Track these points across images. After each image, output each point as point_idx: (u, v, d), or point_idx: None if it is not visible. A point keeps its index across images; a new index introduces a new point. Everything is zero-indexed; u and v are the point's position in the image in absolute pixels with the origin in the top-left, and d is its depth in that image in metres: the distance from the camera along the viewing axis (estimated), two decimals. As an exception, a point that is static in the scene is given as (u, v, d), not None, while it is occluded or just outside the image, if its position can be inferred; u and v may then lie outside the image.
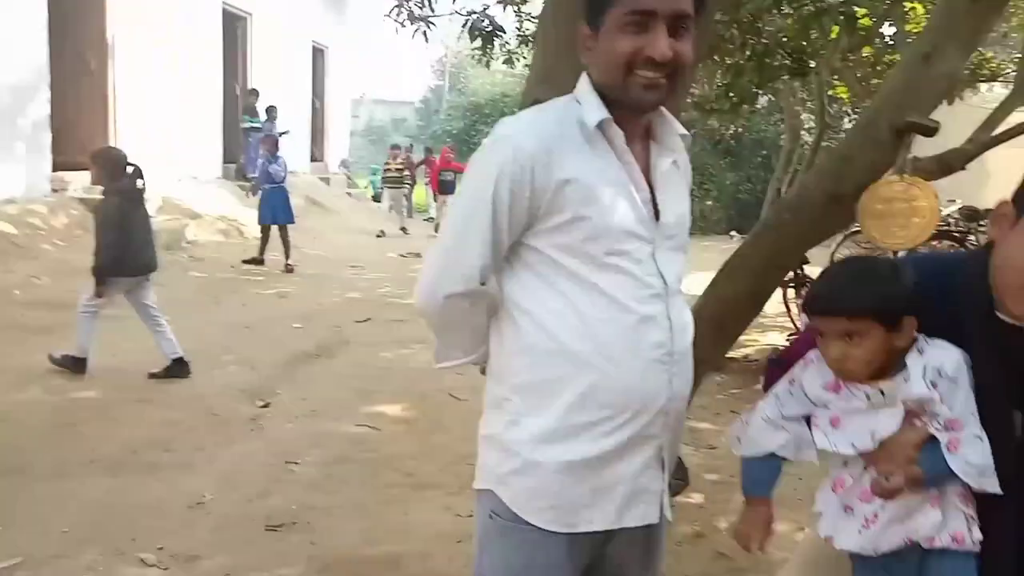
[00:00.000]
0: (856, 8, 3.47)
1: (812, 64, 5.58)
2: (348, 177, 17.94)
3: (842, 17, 3.43)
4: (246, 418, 4.40)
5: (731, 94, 5.90)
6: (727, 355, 6.05)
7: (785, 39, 5.36)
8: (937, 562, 1.27)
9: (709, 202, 17.12)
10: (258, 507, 3.29)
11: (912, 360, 1.27)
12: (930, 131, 1.92)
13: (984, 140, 5.15)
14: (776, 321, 7.06)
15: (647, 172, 1.42)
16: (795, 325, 5.55)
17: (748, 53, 5.46)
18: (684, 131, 1.47)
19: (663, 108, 1.45)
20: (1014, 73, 5.81)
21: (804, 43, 5.56)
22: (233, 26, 13.24)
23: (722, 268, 2.45)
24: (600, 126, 1.34)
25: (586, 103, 1.36)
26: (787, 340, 5.85)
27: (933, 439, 1.25)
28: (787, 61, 5.57)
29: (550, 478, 1.36)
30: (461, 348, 1.50)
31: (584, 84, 1.40)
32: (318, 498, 3.40)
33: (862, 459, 1.33)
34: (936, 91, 1.88)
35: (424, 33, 8.06)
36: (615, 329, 1.35)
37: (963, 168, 4.11)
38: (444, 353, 1.52)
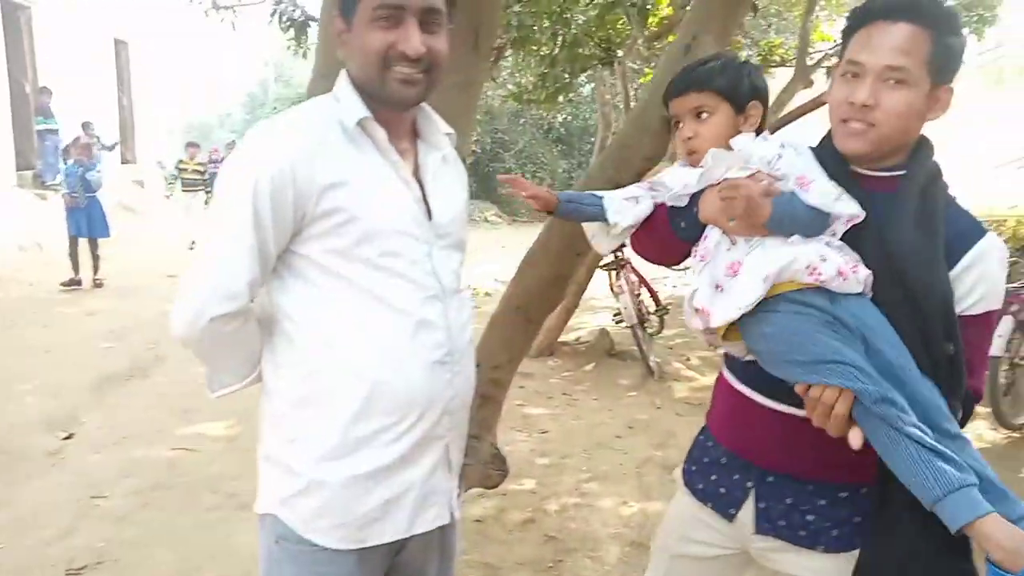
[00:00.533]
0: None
1: (619, 53, 5.83)
2: (166, 179, 16.71)
3: (633, 8, 3.58)
4: (45, 452, 3.98)
5: (546, 84, 6.05)
6: (559, 339, 6.30)
7: (594, 28, 5.57)
8: (843, 302, 1.21)
9: (581, 179, 17.55)
10: (58, 550, 2.99)
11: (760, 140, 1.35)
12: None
13: (773, 122, 5.64)
14: (605, 303, 7.38)
15: (417, 170, 1.39)
16: (621, 302, 5.78)
17: (560, 43, 5.61)
18: (449, 129, 1.46)
19: (425, 105, 1.44)
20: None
21: (611, 32, 5.80)
22: (14, 17, 11.88)
23: (525, 257, 2.49)
24: (361, 124, 1.30)
25: (345, 101, 1.32)
26: (614, 319, 6.10)
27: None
28: (596, 50, 5.79)
29: (337, 495, 1.31)
30: (235, 373, 1.41)
31: (343, 81, 1.35)
32: (129, 532, 3.14)
33: (718, 226, 1.31)
34: (697, 80, 1.99)
35: (232, 23, 7.69)
36: (392, 334, 1.32)
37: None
38: (217, 381, 1.42)
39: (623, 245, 5.22)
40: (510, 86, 9.17)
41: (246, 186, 1.23)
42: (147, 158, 16.24)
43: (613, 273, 5.83)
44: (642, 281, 6.13)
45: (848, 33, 1.28)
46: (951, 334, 1.19)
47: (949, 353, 1.19)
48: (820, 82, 6.38)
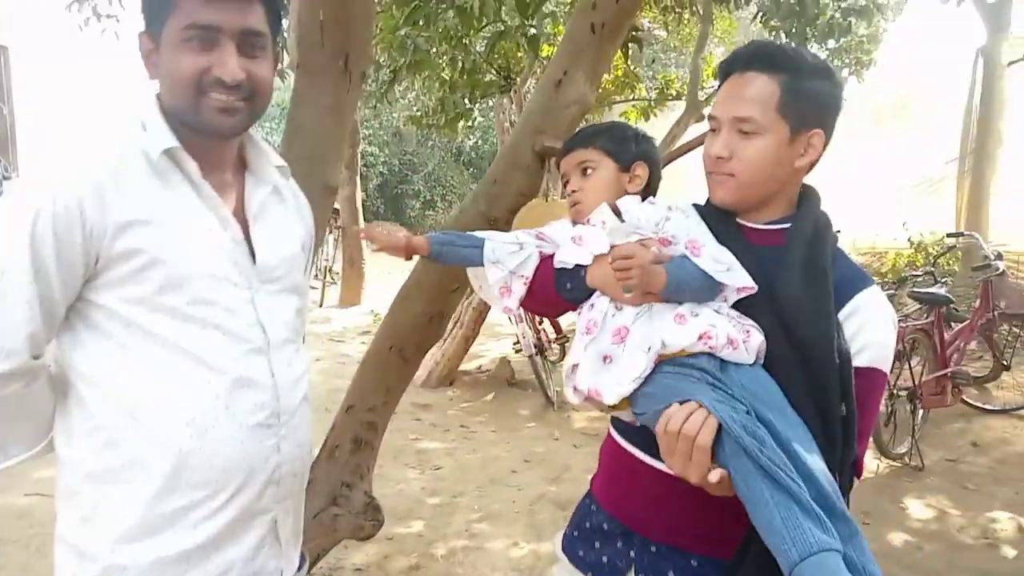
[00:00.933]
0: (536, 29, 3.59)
1: (516, 80, 5.81)
2: None
3: (524, 38, 3.54)
4: None
5: (446, 109, 5.96)
6: (459, 368, 6.18)
7: (493, 55, 5.54)
8: (733, 372, 1.16)
9: (453, 212, 17.47)
10: None
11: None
12: (567, 155, 1.99)
13: (667, 154, 5.74)
14: (509, 329, 7.29)
15: (241, 207, 1.25)
16: (519, 330, 5.71)
17: (459, 68, 5.54)
18: (280, 161, 1.33)
19: (254, 135, 1.30)
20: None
21: (509, 60, 5.78)
22: None
23: (398, 294, 2.36)
24: (168, 154, 1.15)
25: (152, 129, 1.16)
26: (514, 348, 6.01)
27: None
28: (495, 77, 5.75)
29: None
30: (23, 441, 1.21)
31: (151, 106, 1.19)
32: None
33: (604, 294, 1.26)
34: (568, 116, 1.95)
35: (116, 32, 7.30)
36: (203, 395, 1.16)
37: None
38: (1, 451, 1.21)
39: None
40: (415, 109, 9.07)
41: (23, 227, 1.06)
42: (31, 173, 15.20)
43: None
44: (542, 309, 6.08)
45: (718, 87, 1.30)
46: (846, 393, 1.14)
47: (841, 415, 1.13)
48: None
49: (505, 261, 1.35)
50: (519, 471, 4.34)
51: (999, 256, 5.09)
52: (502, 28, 3.80)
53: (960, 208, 8.78)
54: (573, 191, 1.38)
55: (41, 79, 16.13)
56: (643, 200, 1.36)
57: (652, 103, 7.55)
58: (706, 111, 6.45)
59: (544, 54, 5.04)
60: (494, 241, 1.38)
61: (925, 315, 4.66)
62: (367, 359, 2.43)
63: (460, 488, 4.04)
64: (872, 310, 1.22)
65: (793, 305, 1.17)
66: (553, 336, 6.12)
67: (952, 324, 4.94)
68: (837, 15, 4.72)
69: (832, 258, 1.23)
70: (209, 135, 1.19)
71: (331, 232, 9.15)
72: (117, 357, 1.14)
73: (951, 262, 7.78)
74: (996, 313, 4.94)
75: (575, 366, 1.23)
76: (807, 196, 1.29)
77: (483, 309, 5.80)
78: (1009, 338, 5.26)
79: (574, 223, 1.38)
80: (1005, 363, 5.16)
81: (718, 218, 1.27)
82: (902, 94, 15.85)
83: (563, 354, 6.32)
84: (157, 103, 1.19)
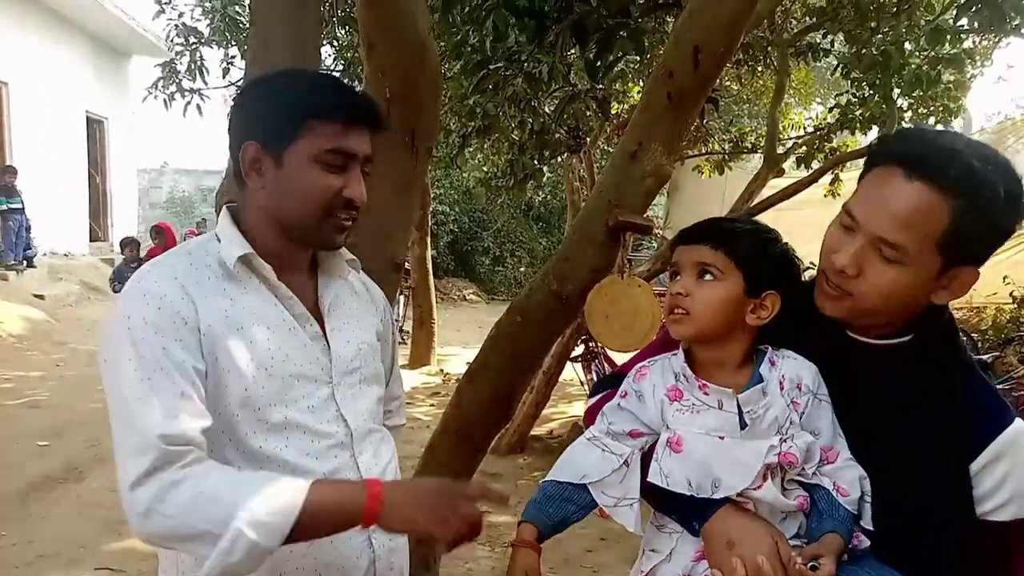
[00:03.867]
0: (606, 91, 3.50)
1: (587, 140, 5.75)
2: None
3: (594, 100, 3.46)
4: (-53, 576, 3.57)
5: (515, 170, 5.94)
6: (530, 433, 5.98)
7: (563, 116, 5.50)
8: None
9: (523, 268, 17.49)
10: None
11: (766, 371, 1.05)
12: (646, 230, 1.85)
13: (745, 210, 5.53)
14: (581, 390, 7.07)
15: (316, 304, 1.25)
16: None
17: (527, 130, 5.52)
18: (351, 255, 1.32)
19: None
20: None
21: (578, 121, 5.73)
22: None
23: (464, 375, 2.24)
24: (243, 260, 1.16)
25: (226, 238, 1.19)
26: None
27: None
28: (564, 137, 5.70)
29: None
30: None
31: (226, 221, 1.21)
32: None
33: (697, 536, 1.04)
34: (644, 188, 1.82)
35: (199, 107, 7.62)
36: None
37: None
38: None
39: (589, 337, 4.86)
40: (484, 168, 9.13)
41: (145, 336, 1.07)
42: (119, 236, 16.01)
43: (585, 365, 5.58)
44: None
45: (867, 166, 1.04)
46: (975, 564, 0.96)
47: None
48: (792, 170, 6.33)
49: (609, 490, 1.12)
50: (595, 550, 4.09)
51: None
52: (571, 91, 3.73)
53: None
54: (679, 293, 1.10)
55: (133, 145, 17.12)
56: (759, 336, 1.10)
57: (726, 157, 7.37)
58: (786, 165, 6.22)
59: (613, 111, 4.95)
60: (593, 476, 1.11)
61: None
62: (433, 445, 2.31)
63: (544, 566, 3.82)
64: (1020, 454, 1.00)
65: (904, 451, 0.99)
66: (627, 400, 5.89)
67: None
68: (925, 66, 4.47)
69: (964, 382, 1.02)
70: (317, 247, 1.24)
71: (402, 292, 9.21)
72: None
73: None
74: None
75: None
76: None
77: (554, 372, 5.63)
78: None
79: (677, 384, 1.10)
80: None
81: (820, 325, 1.07)
82: (992, 136, 15.13)
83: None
84: (230, 217, 1.22)
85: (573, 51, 3.53)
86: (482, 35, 3.19)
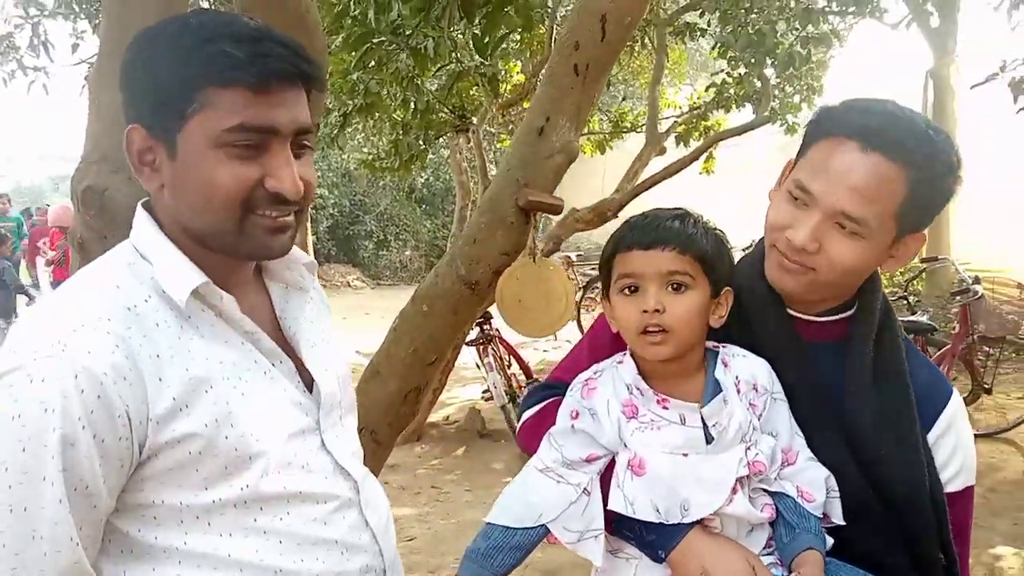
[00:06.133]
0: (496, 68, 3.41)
1: (473, 120, 5.63)
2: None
3: (484, 77, 3.35)
4: None
5: (399, 151, 5.75)
6: (427, 420, 5.86)
7: (446, 96, 5.35)
8: None
9: (408, 252, 17.20)
10: None
11: (721, 375, 0.95)
12: (556, 209, 1.77)
13: (630, 189, 5.60)
14: (476, 372, 7.00)
15: (276, 326, 0.98)
16: (490, 379, 5.44)
17: (411, 109, 5.34)
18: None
19: None
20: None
21: (464, 99, 5.60)
22: None
23: (366, 371, 2.09)
24: (196, 294, 0.87)
25: (162, 261, 0.87)
26: (483, 397, 5.75)
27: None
28: (449, 117, 5.56)
29: None
30: None
31: (147, 228, 0.90)
32: None
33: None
34: (552, 166, 1.74)
35: (44, 86, 6.91)
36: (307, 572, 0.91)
37: (616, 216, 4.30)
38: None
39: (490, 317, 4.78)
40: (365, 150, 8.83)
41: (40, 433, 0.76)
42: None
43: (480, 348, 5.50)
44: (512, 353, 5.84)
45: (810, 136, 0.98)
46: (946, 544, 0.93)
47: (941, 564, 0.92)
48: (671, 148, 6.48)
49: (570, 524, 0.99)
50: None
51: (976, 280, 5.05)
52: (459, 68, 3.61)
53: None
54: (654, 310, 0.94)
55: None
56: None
57: (607, 137, 7.47)
58: (666, 143, 6.35)
59: (506, 92, 4.87)
60: (551, 511, 0.98)
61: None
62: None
63: (436, 562, 3.73)
64: (962, 423, 1.01)
65: (868, 429, 0.96)
66: (524, 381, 5.87)
67: (929, 350, 4.86)
68: (797, 45, 4.66)
69: (906, 359, 1.01)
70: (250, 259, 0.94)
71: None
72: (168, 567, 0.85)
73: (917, 284, 7.78)
74: (976, 337, 4.88)
75: None
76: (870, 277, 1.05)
77: (450, 357, 5.52)
78: (989, 362, 5.20)
79: (631, 399, 0.98)
80: (986, 386, 5.09)
81: (760, 303, 1.03)
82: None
83: (533, 399, 6.05)
84: (154, 225, 0.90)
85: (459, 26, 3.40)
86: (364, 7, 3.01)
